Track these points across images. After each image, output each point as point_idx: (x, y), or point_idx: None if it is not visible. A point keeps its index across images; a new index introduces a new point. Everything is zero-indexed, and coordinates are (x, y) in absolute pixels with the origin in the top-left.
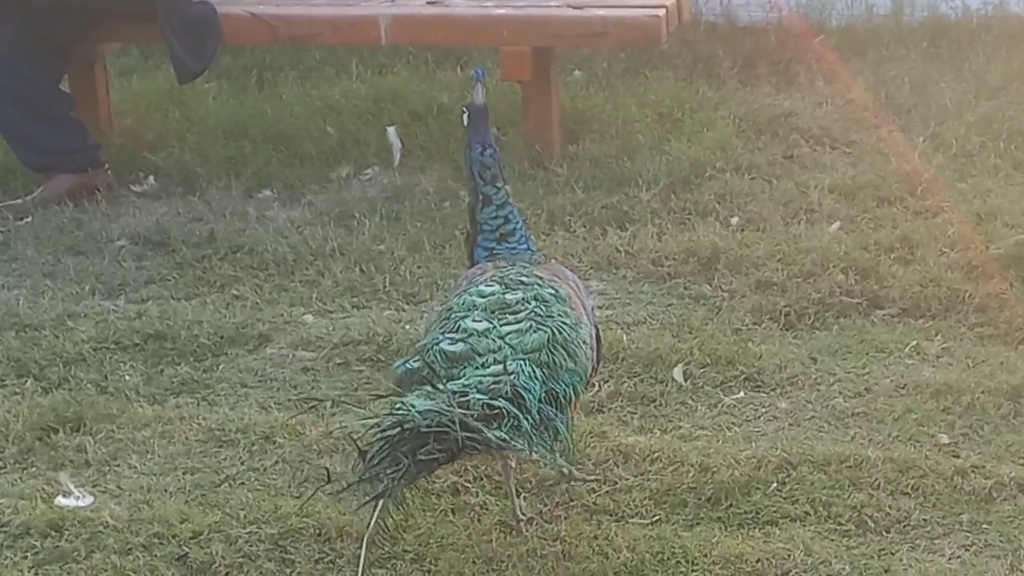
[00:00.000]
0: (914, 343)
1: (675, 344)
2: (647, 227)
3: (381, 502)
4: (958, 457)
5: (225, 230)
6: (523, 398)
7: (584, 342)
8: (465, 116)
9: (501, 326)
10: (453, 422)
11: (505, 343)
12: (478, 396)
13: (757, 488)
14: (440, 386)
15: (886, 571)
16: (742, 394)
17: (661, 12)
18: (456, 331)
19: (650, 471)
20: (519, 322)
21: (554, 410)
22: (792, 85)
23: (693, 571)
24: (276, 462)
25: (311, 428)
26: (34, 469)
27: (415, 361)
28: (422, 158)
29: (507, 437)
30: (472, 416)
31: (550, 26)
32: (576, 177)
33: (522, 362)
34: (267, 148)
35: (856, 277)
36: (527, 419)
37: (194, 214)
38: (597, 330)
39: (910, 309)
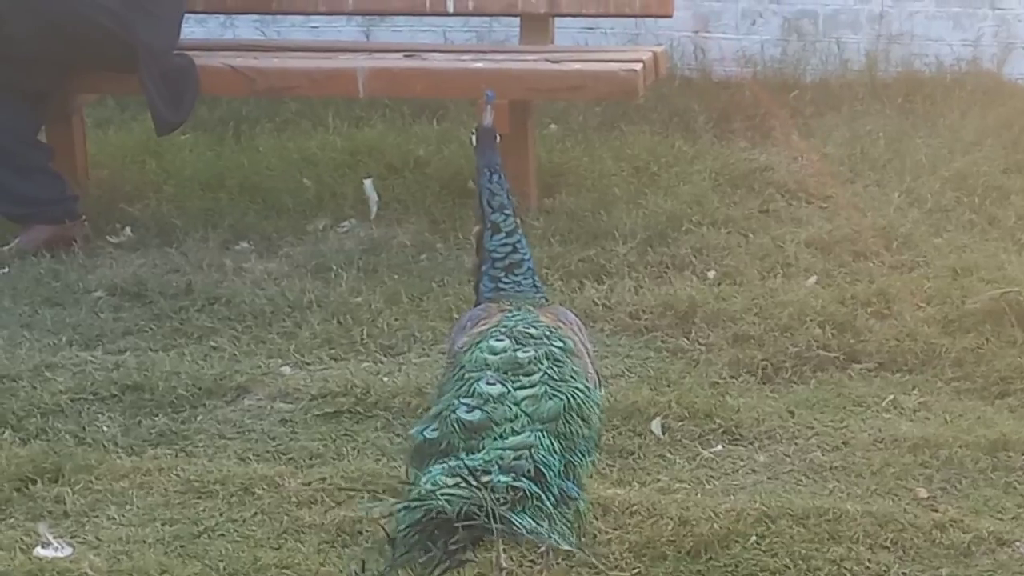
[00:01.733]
0: (891, 397)
1: (653, 397)
2: (624, 280)
3: None
4: (937, 511)
5: (202, 282)
6: (544, 476)
7: (596, 404)
8: (473, 138)
9: (516, 390)
10: (482, 509)
11: (521, 410)
12: (502, 479)
13: (736, 541)
14: (463, 463)
15: None
16: (720, 447)
17: (638, 66)
18: (471, 395)
19: (629, 524)
20: (533, 386)
21: (572, 484)
22: (767, 140)
23: None
24: (255, 513)
25: (290, 480)
26: (12, 520)
27: (433, 431)
28: (399, 211)
29: (535, 526)
30: (499, 500)
31: (527, 79)
32: (553, 230)
33: (540, 434)
34: (244, 200)
35: (833, 331)
36: (549, 498)
37: (171, 265)
38: (598, 375)
39: (887, 363)
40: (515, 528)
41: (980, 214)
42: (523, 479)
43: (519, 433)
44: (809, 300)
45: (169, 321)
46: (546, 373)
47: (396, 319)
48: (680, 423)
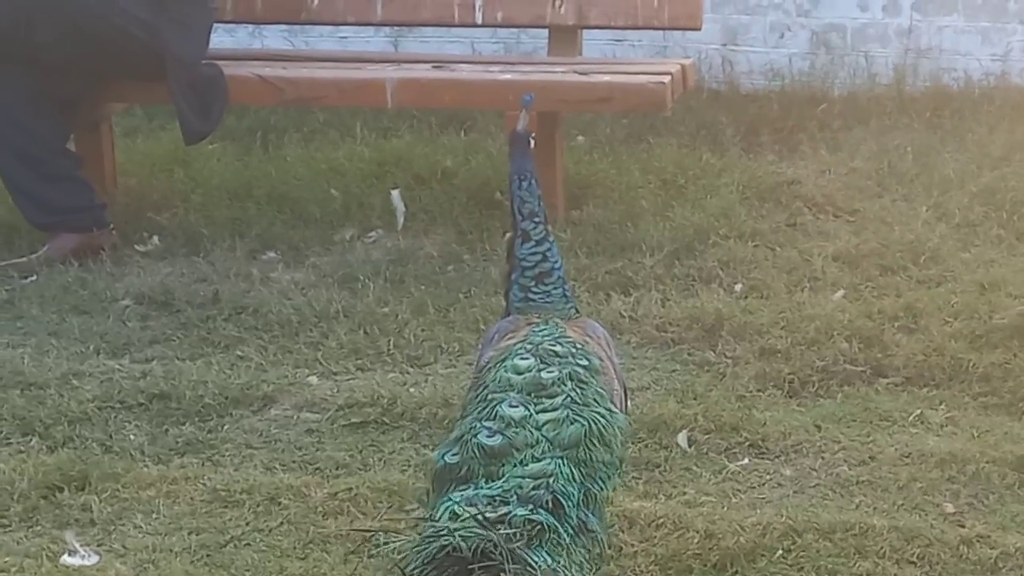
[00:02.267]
0: (918, 412)
1: (679, 410)
2: (651, 293)
3: None
4: (963, 527)
5: (229, 291)
6: (562, 506)
7: (619, 428)
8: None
9: (538, 412)
10: (498, 548)
11: (542, 435)
12: (519, 512)
13: (762, 555)
14: (481, 493)
15: None
16: (746, 461)
17: (666, 79)
18: (493, 418)
19: (655, 536)
20: (555, 409)
21: (590, 513)
22: (795, 153)
23: None
24: (281, 523)
25: (316, 490)
26: (39, 528)
27: (454, 455)
28: (426, 222)
29: (551, 564)
30: (515, 535)
31: (556, 91)
32: (580, 242)
33: (560, 461)
34: (271, 210)
35: (860, 345)
36: (567, 529)
37: (198, 275)
38: (625, 388)
39: (914, 378)
40: (531, 568)
41: (1008, 229)
42: (540, 511)
43: (539, 460)
44: (836, 314)
45: (196, 330)
46: (569, 396)
47: (423, 330)
48: (706, 436)
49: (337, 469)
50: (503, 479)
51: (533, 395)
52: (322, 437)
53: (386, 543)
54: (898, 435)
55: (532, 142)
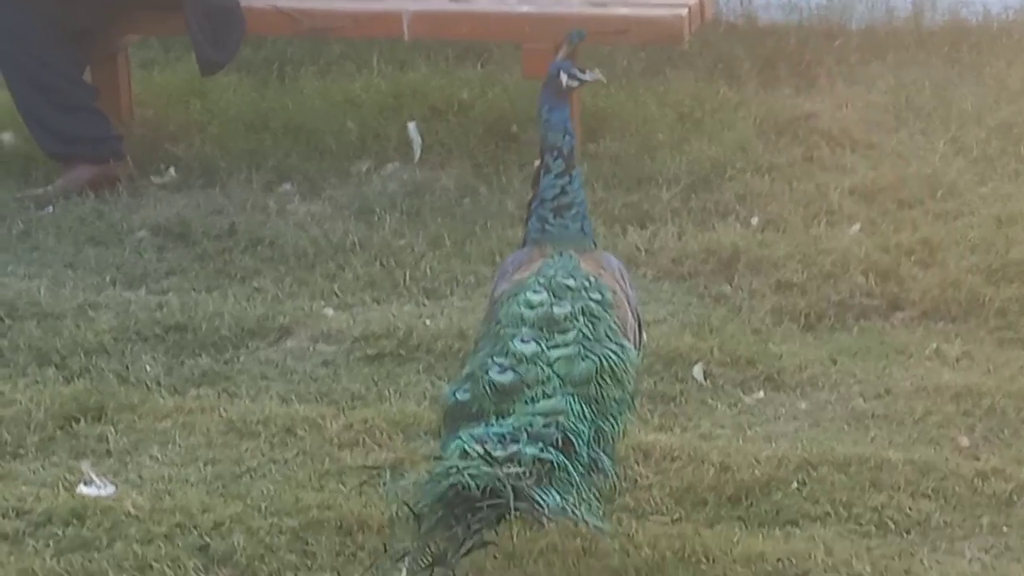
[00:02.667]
0: (934, 346)
1: (695, 343)
2: (667, 226)
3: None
4: (978, 460)
5: (246, 223)
6: (572, 444)
7: (631, 363)
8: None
9: (549, 349)
10: (506, 488)
11: (554, 372)
12: (529, 451)
13: (778, 488)
14: (491, 431)
15: (906, 572)
16: (762, 394)
17: (684, 11)
18: (505, 354)
19: (670, 469)
20: (567, 345)
21: (601, 451)
22: (812, 87)
23: (714, 569)
24: (297, 454)
25: (331, 421)
26: (55, 458)
27: (465, 392)
28: (442, 154)
29: (560, 502)
30: (523, 474)
31: (572, 23)
32: (596, 175)
33: (571, 398)
34: (287, 142)
35: (876, 279)
36: (577, 468)
37: (214, 206)
38: (640, 321)
39: (930, 312)
40: (539, 506)
41: None
42: (550, 450)
43: (550, 397)
44: (852, 248)
45: (212, 262)
46: (581, 331)
47: (439, 262)
48: (722, 369)
49: (353, 401)
50: (513, 416)
51: (545, 330)
52: (338, 369)
53: (395, 481)
54: (914, 369)
55: (570, 75)
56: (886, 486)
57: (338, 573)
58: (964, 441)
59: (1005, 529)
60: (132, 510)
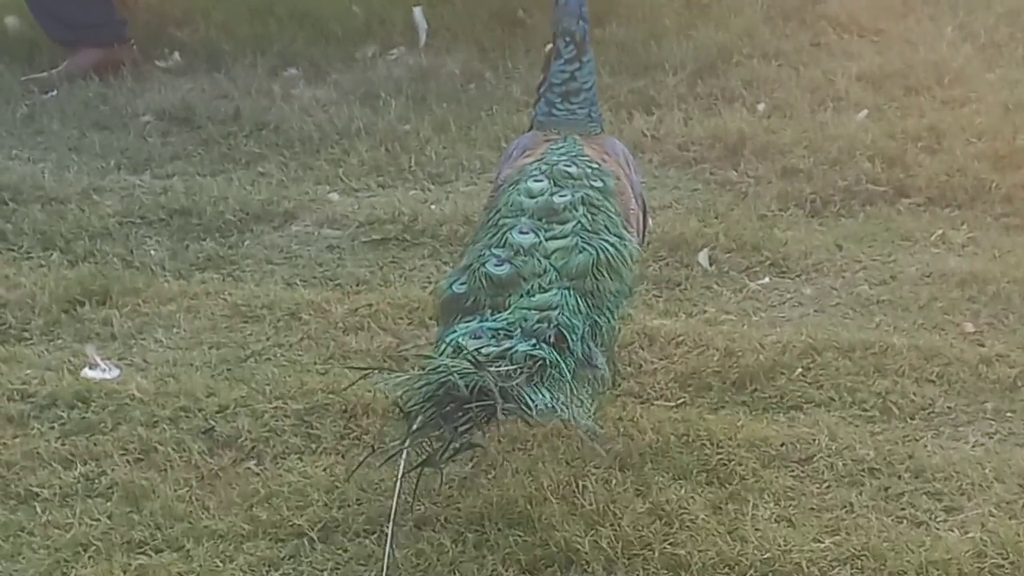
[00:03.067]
0: (940, 232)
1: (701, 229)
2: (673, 112)
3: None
4: (983, 346)
5: (250, 107)
6: (566, 339)
7: (630, 255)
8: None
9: (547, 240)
10: (494, 389)
11: (551, 264)
12: (521, 348)
13: (782, 373)
14: (486, 324)
15: (910, 457)
16: (767, 279)
17: None
18: (503, 246)
19: (675, 354)
20: (565, 237)
21: (595, 346)
22: None
23: (718, 453)
24: (302, 338)
25: (337, 305)
26: (60, 341)
27: (461, 284)
28: (448, 39)
29: (550, 402)
30: (512, 372)
31: None
32: (603, 61)
33: (566, 292)
34: (293, 26)
35: (883, 165)
36: (569, 364)
37: (219, 91)
38: (645, 207)
39: (936, 198)
40: (528, 407)
41: None
42: (543, 346)
43: (546, 290)
44: (859, 134)
45: (217, 146)
46: (579, 222)
47: (444, 147)
48: (727, 255)
49: (358, 285)
50: (508, 310)
51: (544, 220)
52: (343, 253)
53: (387, 378)
54: (919, 255)
55: None
56: (890, 371)
57: (342, 456)
58: (969, 327)
59: (1009, 414)
60: (137, 393)
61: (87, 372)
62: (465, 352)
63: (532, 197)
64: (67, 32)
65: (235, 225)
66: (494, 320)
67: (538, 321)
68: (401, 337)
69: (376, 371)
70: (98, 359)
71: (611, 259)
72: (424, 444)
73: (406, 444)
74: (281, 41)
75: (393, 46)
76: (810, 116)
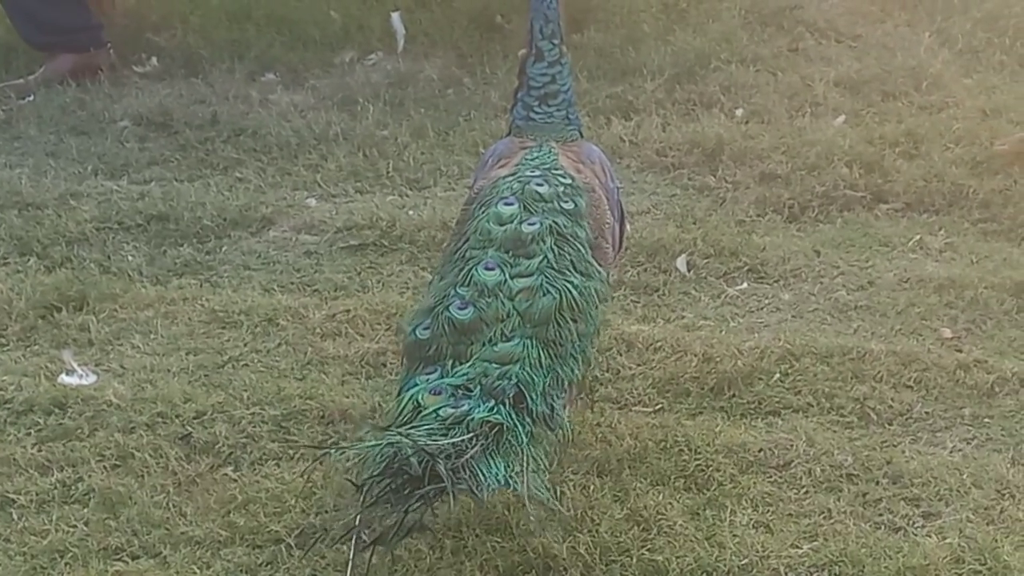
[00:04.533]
0: (918, 237)
1: (679, 234)
2: (651, 117)
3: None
4: (961, 351)
5: (228, 113)
6: (525, 400)
7: (598, 293)
8: None
9: (512, 278)
10: (446, 473)
11: (514, 308)
12: (478, 414)
13: (760, 379)
14: (446, 379)
15: (888, 463)
16: (745, 285)
17: None
18: (468, 283)
19: (653, 360)
20: (530, 275)
21: (557, 398)
22: None
23: (696, 459)
24: (279, 344)
25: (314, 311)
26: (37, 347)
27: (425, 330)
28: (426, 45)
29: (503, 477)
30: (470, 443)
31: None
32: (581, 66)
33: (528, 342)
34: (270, 31)
35: (860, 171)
36: (527, 428)
37: (197, 96)
38: (622, 213)
39: (914, 203)
40: (480, 487)
41: (1011, 55)
42: (501, 409)
43: (508, 338)
44: (837, 139)
45: (195, 151)
46: (546, 257)
47: (422, 153)
48: (705, 260)
49: (335, 291)
50: (470, 362)
51: (511, 253)
52: (320, 259)
53: (341, 452)
54: (897, 260)
55: None
56: (868, 377)
57: (320, 462)
58: (947, 332)
59: (987, 420)
60: (113, 399)
61: (64, 378)
62: (420, 437)
63: (501, 224)
64: (44, 37)
65: (213, 231)
66: (454, 375)
67: (498, 377)
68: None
69: (332, 450)
70: (75, 365)
71: (575, 302)
72: (376, 520)
73: (358, 519)
74: (259, 46)
75: (371, 51)
76: (788, 121)
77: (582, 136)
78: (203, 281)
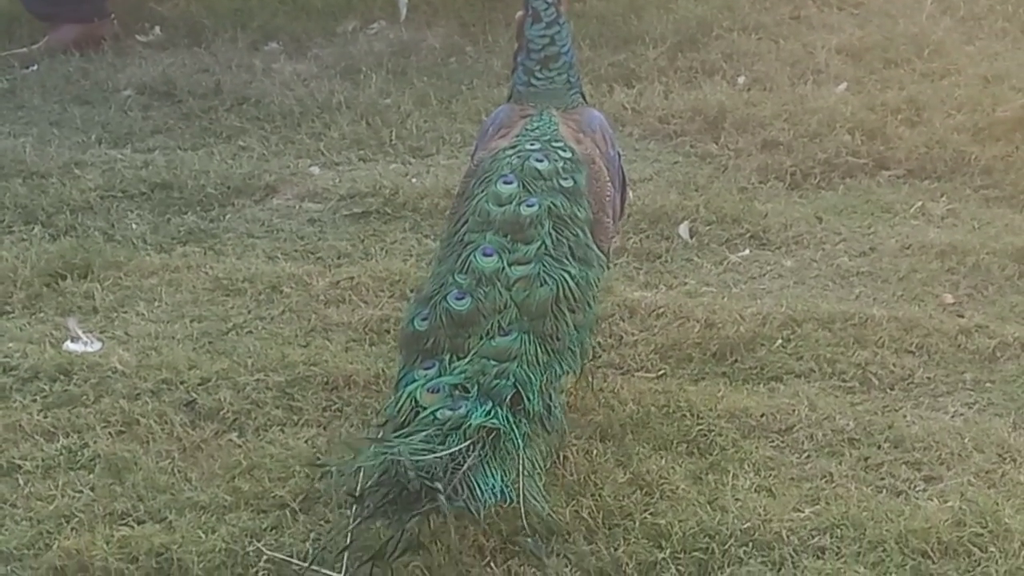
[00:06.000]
0: (919, 204)
1: (681, 201)
2: (654, 85)
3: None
4: (962, 317)
5: (231, 82)
6: (523, 400)
7: (596, 279)
8: None
9: (510, 265)
10: (441, 492)
11: (511, 298)
12: (475, 419)
13: (762, 344)
14: (444, 378)
15: (889, 427)
16: (747, 252)
17: None
18: (466, 271)
19: (656, 326)
20: (528, 263)
21: (554, 403)
22: None
23: (698, 424)
24: (283, 311)
25: (318, 279)
26: (42, 315)
27: (423, 321)
28: (428, 13)
29: (499, 489)
30: (467, 451)
31: None
32: (583, 34)
33: (526, 336)
34: (273, 1)
35: (862, 138)
36: (523, 430)
37: (200, 65)
38: (624, 179)
39: (916, 170)
40: (476, 500)
41: (1013, 22)
42: (498, 411)
43: (506, 332)
44: (839, 107)
45: (198, 120)
46: (543, 243)
47: (425, 121)
48: (708, 227)
49: (339, 258)
50: (468, 358)
51: (509, 237)
52: (324, 227)
53: (336, 466)
54: (899, 227)
55: None
56: (870, 343)
57: (324, 428)
58: (948, 298)
59: (988, 385)
60: (118, 366)
61: (69, 345)
62: (417, 450)
63: (500, 205)
64: (47, 6)
65: (216, 199)
66: (452, 372)
67: (496, 376)
68: None
69: (330, 465)
70: (80, 332)
71: (572, 293)
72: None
73: (352, 528)
74: (262, 15)
75: (374, 20)
76: (790, 89)
77: (585, 100)
78: (207, 249)
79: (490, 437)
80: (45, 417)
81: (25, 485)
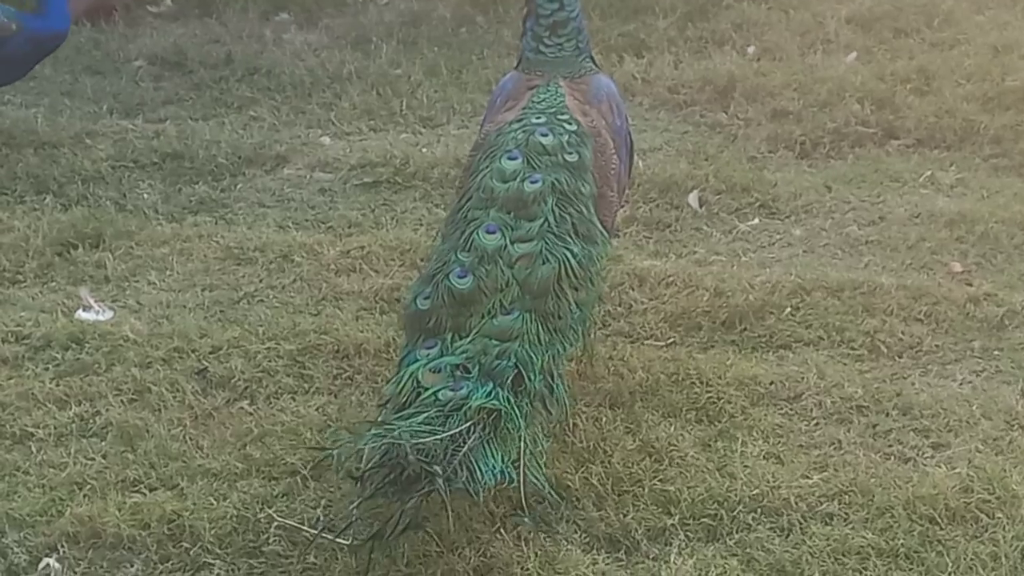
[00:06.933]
0: (929, 173)
1: (691, 171)
2: (664, 55)
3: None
4: (971, 285)
5: (242, 52)
6: (524, 380)
7: (599, 256)
8: None
9: (513, 243)
10: (439, 476)
11: (513, 276)
12: (476, 400)
13: (771, 312)
14: (446, 358)
15: (898, 395)
16: (757, 221)
17: None
18: (469, 248)
19: (665, 294)
20: (531, 240)
21: (556, 372)
22: None
23: (707, 391)
24: (294, 280)
25: (329, 248)
26: (54, 284)
27: (425, 299)
28: None
29: (499, 470)
30: (468, 432)
31: None
32: (593, 4)
33: (528, 315)
34: None
35: (872, 107)
36: (525, 409)
37: (211, 36)
38: (632, 150)
39: (925, 139)
40: (476, 483)
41: None
42: (499, 392)
43: (508, 312)
44: (848, 76)
45: (209, 91)
46: (547, 220)
47: (435, 91)
48: (717, 196)
49: (350, 227)
50: (469, 337)
51: (512, 214)
52: (335, 196)
53: (337, 451)
54: (908, 196)
55: None
56: (879, 311)
57: (335, 396)
58: (957, 267)
59: (996, 352)
60: (130, 335)
61: (81, 314)
62: (418, 432)
63: (504, 181)
64: None
65: (227, 169)
66: (455, 351)
67: (497, 356)
68: None
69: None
70: (92, 301)
71: (574, 271)
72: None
73: (355, 510)
74: None
75: None
76: (800, 58)
77: (595, 64)
78: (218, 218)
79: (491, 418)
80: (57, 385)
81: (38, 452)
